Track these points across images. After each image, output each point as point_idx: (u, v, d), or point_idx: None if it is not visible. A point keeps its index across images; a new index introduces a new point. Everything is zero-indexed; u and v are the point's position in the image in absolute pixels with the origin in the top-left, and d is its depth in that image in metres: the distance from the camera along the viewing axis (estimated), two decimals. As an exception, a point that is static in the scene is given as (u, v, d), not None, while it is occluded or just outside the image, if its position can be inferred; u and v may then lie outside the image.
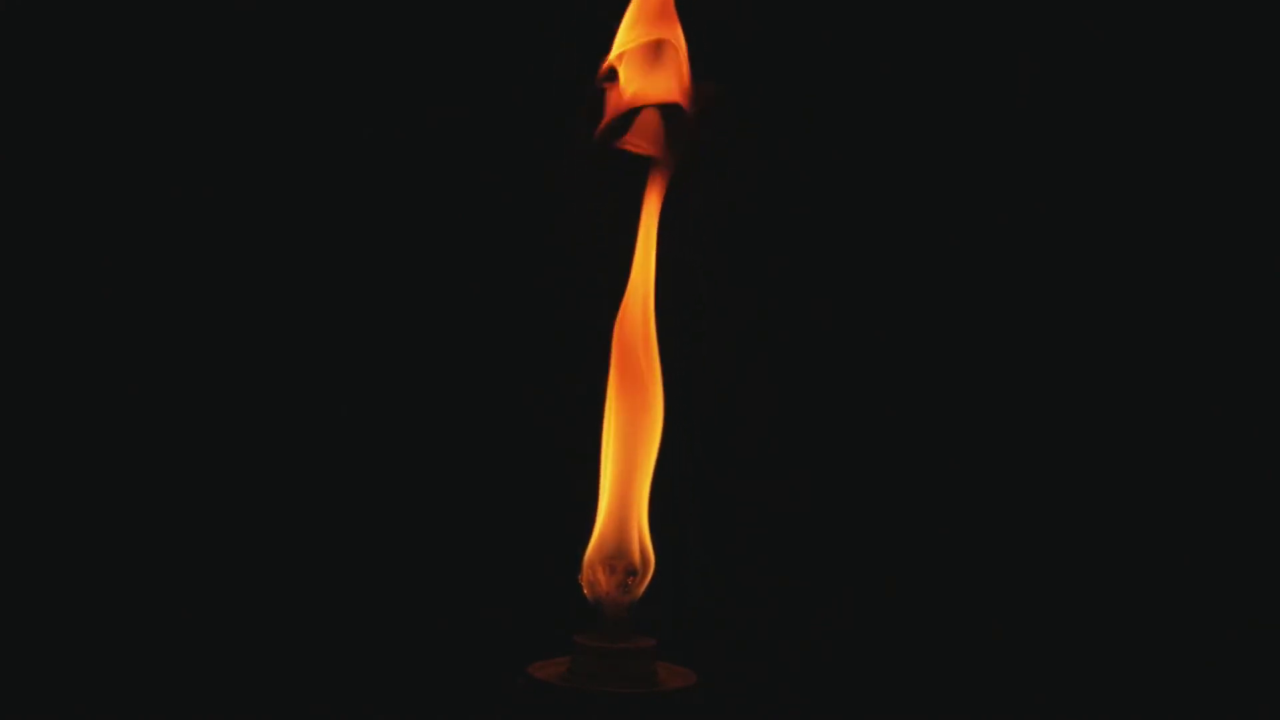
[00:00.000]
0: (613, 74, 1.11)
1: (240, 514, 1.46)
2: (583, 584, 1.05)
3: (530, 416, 1.47)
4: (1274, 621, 1.45)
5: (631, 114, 1.11)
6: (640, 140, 1.11)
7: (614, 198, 1.13)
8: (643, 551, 1.06)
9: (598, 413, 1.09)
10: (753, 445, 1.49)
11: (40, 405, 1.44)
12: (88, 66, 1.43)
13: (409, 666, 1.46)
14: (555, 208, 1.44)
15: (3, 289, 1.43)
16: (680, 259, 1.14)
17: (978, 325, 1.48)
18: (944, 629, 1.48)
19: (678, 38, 1.12)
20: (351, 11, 1.45)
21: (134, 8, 1.43)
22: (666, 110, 1.11)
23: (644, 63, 1.12)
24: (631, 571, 1.05)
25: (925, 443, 1.48)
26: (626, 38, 1.12)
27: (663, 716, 1.00)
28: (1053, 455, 1.48)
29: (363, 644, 1.46)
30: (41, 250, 1.43)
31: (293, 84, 1.45)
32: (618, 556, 1.06)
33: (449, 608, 1.46)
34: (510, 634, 1.40)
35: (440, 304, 1.47)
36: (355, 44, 1.45)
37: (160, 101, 1.44)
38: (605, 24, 1.15)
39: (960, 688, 1.47)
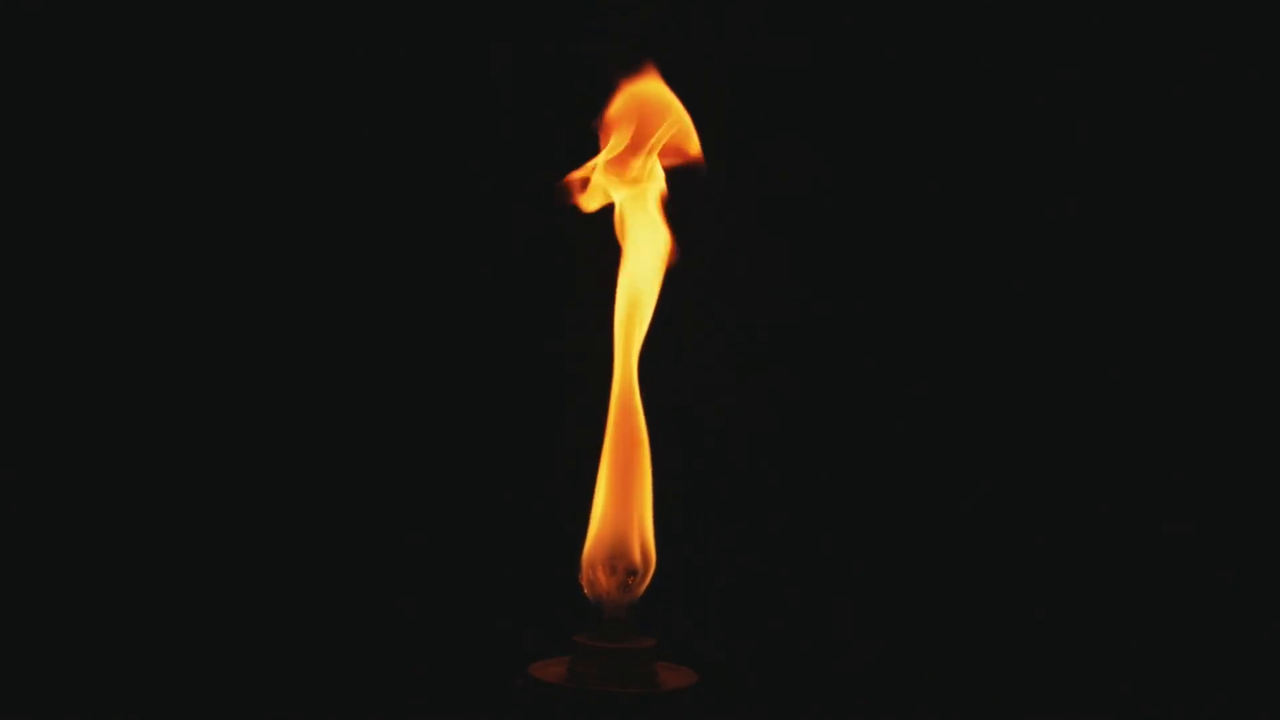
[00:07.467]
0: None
1: (241, 514, 1.46)
2: (583, 584, 1.05)
3: (530, 415, 1.47)
4: (1274, 621, 1.46)
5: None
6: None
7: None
8: (643, 551, 1.06)
9: (597, 412, 1.09)
10: (753, 443, 1.49)
11: (36, 404, 1.44)
12: (79, 65, 1.43)
13: (409, 666, 1.46)
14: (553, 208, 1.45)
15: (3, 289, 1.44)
16: (678, 256, 1.13)
17: (977, 326, 1.48)
18: (944, 629, 1.48)
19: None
20: (354, 13, 1.45)
21: (114, 7, 1.43)
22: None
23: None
24: (631, 571, 1.05)
25: (926, 443, 1.48)
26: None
27: (663, 716, 1.00)
28: (1054, 457, 1.48)
29: (363, 644, 1.46)
30: (40, 249, 1.44)
31: (293, 85, 1.45)
32: (618, 556, 1.05)
33: (449, 608, 1.46)
34: (510, 634, 1.40)
35: (439, 304, 1.48)
36: (356, 45, 1.45)
37: (155, 100, 1.44)
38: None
39: (961, 688, 1.47)
